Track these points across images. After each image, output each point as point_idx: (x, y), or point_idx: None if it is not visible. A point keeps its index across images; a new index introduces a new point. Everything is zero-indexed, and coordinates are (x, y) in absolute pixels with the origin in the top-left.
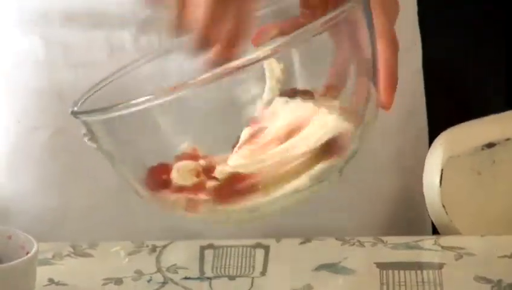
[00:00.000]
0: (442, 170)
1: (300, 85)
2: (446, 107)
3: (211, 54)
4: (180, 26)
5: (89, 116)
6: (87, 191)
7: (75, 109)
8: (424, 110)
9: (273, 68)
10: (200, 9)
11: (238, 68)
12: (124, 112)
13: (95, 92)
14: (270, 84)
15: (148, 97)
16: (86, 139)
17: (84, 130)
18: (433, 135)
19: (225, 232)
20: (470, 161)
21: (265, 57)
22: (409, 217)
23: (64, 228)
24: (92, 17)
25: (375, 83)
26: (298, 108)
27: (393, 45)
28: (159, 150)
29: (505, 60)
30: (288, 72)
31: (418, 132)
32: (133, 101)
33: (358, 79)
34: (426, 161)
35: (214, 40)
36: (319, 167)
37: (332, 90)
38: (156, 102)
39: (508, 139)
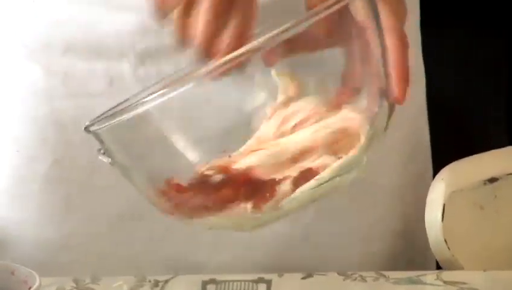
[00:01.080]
0: (444, 204)
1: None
2: (448, 142)
3: None
4: (182, 38)
5: (98, 126)
6: (88, 220)
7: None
8: (428, 145)
9: (286, 84)
10: (201, 23)
11: (232, 60)
12: (131, 114)
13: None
14: (281, 99)
15: (149, 92)
16: (100, 155)
17: (98, 146)
18: (436, 170)
19: (227, 263)
20: (472, 195)
21: (257, 49)
22: (412, 252)
23: (65, 258)
24: (92, 47)
25: (387, 80)
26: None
27: (403, 41)
28: (173, 163)
29: (507, 95)
30: (301, 89)
31: (422, 166)
32: (137, 99)
33: (370, 85)
34: (428, 195)
35: (214, 53)
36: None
37: (344, 96)
38: (158, 99)
39: (510, 174)
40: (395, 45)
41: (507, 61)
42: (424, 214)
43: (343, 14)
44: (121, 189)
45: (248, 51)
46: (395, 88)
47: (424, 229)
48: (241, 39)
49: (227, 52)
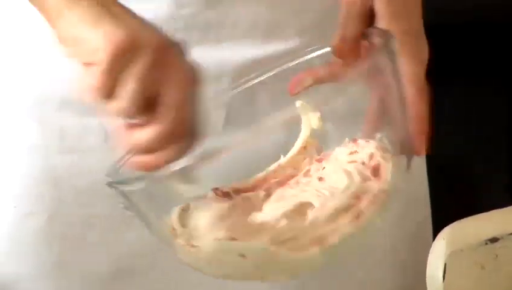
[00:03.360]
0: (445, 264)
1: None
2: (449, 202)
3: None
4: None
5: (126, 186)
6: (82, 277)
7: (110, 179)
8: (427, 201)
9: (309, 117)
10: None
11: (278, 126)
12: (162, 180)
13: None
14: (304, 133)
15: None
16: (121, 206)
17: (120, 200)
18: (436, 230)
19: None
20: (473, 255)
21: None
22: None
23: None
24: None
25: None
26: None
27: (423, 91)
28: None
29: (508, 155)
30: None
31: (420, 222)
32: (173, 169)
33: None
34: (429, 255)
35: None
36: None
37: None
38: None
39: (511, 234)
40: (414, 95)
41: (508, 119)
42: (422, 273)
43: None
44: (115, 245)
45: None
46: (414, 140)
47: (423, 288)
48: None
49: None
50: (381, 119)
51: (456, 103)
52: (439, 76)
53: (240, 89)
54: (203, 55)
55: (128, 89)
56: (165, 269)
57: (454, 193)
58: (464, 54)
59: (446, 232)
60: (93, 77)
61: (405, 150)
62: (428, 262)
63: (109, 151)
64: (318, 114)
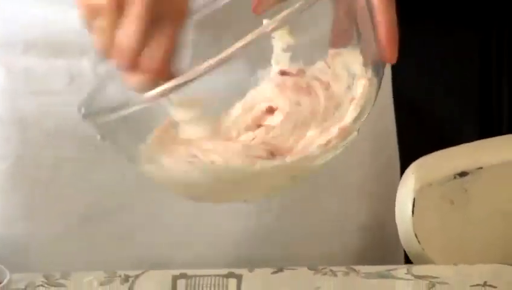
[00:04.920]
0: (414, 199)
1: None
2: (417, 137)
3: (141, 80)
4: (109, 51)
5: (102, 117)
6: (54, 218)
7: (83, 110)
8: (394, 138)
9: (280, 33)
10: (129, 38)
11: (244, 47)
12: (137, 107)
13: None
14: (276, 51)
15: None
16: (98, 137)
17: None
18: (404, 165)
19: (197, 258)
20: (442, 189)
21: (271, 31)
22: (381, 244)
23: (33, 255)
24: (53, 45)
25: (375, 39)
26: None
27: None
28: None
29: (478, 89)
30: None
31: (388, 157)
32: (148, 94)
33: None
34: (398, 190)
35: (142, 68)
36: None
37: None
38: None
39: (479, 168)
40: (381, 2)
41: (478, 53)
42: (392, 208)
43: None
44: (85, 186)
45: (263, 33)
46: (385, 48)
47: (393, 223)
48: (170, 52)
49: (157, 67)
50: (348, 32)
51: (424, 36)
52: (410, 16)
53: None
54: None
55: None
56: (135, 209)
57: (423, 131)
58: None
59: (415, 167)
60: None
61: (376, 60)
62: (397, 197)
63: (76, 92)
64: (287, 28)
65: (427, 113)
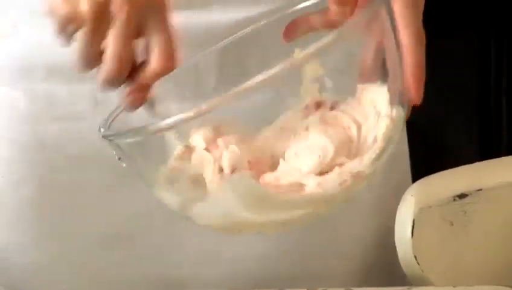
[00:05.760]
0: (413, 220)
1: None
2: (427, 156)
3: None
4: (88, 60)
5: (121, 139)
6: (74, 243)
7: (103, 131)
8: (407, 156)
9: (311, 64)
10: (119, 45)
11: (274, 78)
12: (158, 131)
13: (120, 111)
14: (305, 85)
15: (183, 116)
16: (117, 158)
17: (115, 152)
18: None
19: (213, 279)
20: (442, 211)
21: (303, 63)
22: (393, 264)
23: (53, 284)
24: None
25: (402, 79)
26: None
27: (419, 37)
28: None
29: (478, 110)
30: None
31: (401, 177)
32: (168, 121)
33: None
34: (397, 211)
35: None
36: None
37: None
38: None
39: (479, 190)
40: (410, 41)
41: (478, 71)
42: None
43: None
44: (107, 211)
45: (295, 65)
46: (411, 88)
47: None
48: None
49: (163, 65)
50: (377, 69)
51: (426, 55)
52: None
53: (229, 41)
54: (191, 19)
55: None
56: (159, 231)
57: (423, 149)
58: (434, 4)
59: (414, 188)
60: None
61: (402, 100)
62: (396, 218)
63: (99, 117)
64: (317, 62)
65: (428, 135)
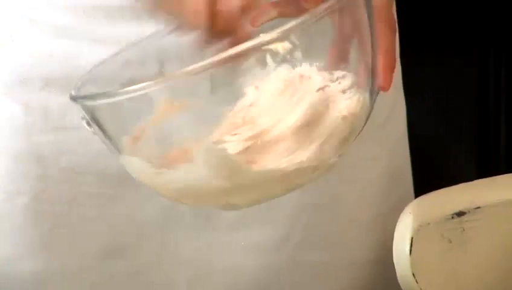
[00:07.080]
0: (412, 238)
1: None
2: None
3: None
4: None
5: (92, 101)
6: (70, 255)
7: (73, 93)
8: (409, 173)
9: (277, 47)
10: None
11: (241, 55)
12: (130, 95)
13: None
14: (272, 64)
15: (156, 81)
16: (84, 123)
17: (82, 114)
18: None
19: None
20: (441, 229)
21: (269, 42)
22: (394, 280)
23: None
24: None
25: (373, 65)
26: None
27: (392, 27)
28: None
29: (476, 127)
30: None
31: (403, 194)
32: (140, 85)
33: (358, 60)
34: (396, 229)
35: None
36: None
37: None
38: (163, 85)
39: (477, 208)
40: (382, 28)
41: (477, 91)
42: None
43: None
44: (103, 222)
45: (261, 44)
46: (381, 75)
47: None
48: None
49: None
50: (346, 54)
51: (426, 73)
52: (408, 46)
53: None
54: None
55: None
56: (152, 245)
57: (422, 166)
58: (434, 25)
59: (413, 206)
60: None
61: (372, 88)
62: (394, 236)
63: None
64: (285, 43)
65: (427, 149)
